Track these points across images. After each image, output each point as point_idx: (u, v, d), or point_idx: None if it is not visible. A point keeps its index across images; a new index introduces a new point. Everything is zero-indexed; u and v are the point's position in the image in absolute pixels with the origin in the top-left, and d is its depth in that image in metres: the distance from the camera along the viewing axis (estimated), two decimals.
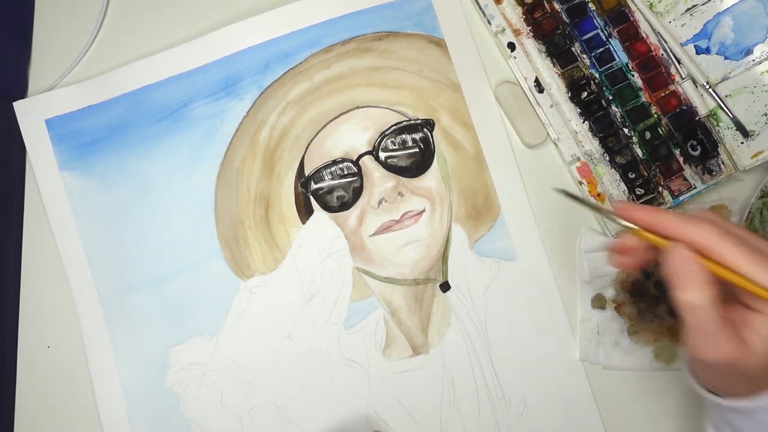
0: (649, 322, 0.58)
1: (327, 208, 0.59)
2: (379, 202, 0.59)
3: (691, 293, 0.37)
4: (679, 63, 0.59)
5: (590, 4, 0.61)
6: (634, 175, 0.59)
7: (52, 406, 0.58)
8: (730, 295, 0.38)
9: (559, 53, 0.60)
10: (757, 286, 0.35)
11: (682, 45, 0.59)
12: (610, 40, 0.60)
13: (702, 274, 0.36)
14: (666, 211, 0.39)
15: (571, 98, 0.60)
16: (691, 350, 0.38)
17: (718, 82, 0.59)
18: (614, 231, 0.58)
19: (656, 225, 0.38)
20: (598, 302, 0.59)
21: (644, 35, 0.60)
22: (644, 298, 0.59)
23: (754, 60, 0.59)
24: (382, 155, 0.60)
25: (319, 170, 0.59)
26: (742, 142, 0.59)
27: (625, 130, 0.60)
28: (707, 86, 0.59)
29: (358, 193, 0.59)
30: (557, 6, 0.61)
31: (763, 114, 0.58)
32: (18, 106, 0.60)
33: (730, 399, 0.39)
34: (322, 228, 0.59)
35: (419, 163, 0.60)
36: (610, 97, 0.60)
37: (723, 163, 0.59)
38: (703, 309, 0.36)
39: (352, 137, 0.60)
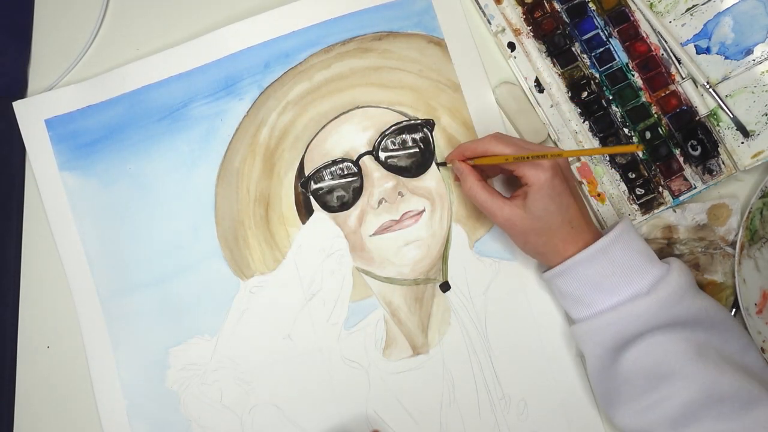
0: None
1: (327, 208, 0.59)
2: (379, 202, 0.59)
3: (467, 181, 0.53)
4: (679, 63, 0.59)
5: (590, 4, 0.61)
6: (634, 175, 0.59)
7: (52, 406, 0.58)
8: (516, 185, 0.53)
9: (559, 53, 0.60)
10: (511, 158, 0.51)
11: (683, 45, 0.59)
12: (610, 40, 0.60)
13: (469, 169, 0.54)
14: (463, 145, 0.55)
15: (571, 98, 0.60)
16: (491, 217, 0.53)
17: (719, 82, 0.59)
18: None
19: (465, 153, 0.54)
20: None
21: (644, 35, 0.60)
22: None
23: (754, 60, 0.59)
24: (382, 155, 0.60)
25: (319, 170, 0.59)
26: (742, 142, 0.59)
27: (626, 130, 0.60)
28: (707, 86, 0.59)
29: (358, 193, 0.59)
30: (557, 6, 0.61)
31: (763, 114, 0.58)
32: (18, 106, 0.60)
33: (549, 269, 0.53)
34: (322, 228, 0.59)
35: (419, 163, 0.60)
36: (611, 97, 0.60)
37: (723, 163, 0.59)
38: (477, 187, 0.53)
39: (352, 137, 0.60)
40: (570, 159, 0.60)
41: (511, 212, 0.51)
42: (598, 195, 0.59)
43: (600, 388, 0.53)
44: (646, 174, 0.59)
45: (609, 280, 0.50)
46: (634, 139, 0.59)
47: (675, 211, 0.59)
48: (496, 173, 0.58)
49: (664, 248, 0.59)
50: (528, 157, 0.50)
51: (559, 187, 0.51)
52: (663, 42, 0.60)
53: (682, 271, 0.51)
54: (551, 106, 0.60)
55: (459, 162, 0.55)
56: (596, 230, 0.53)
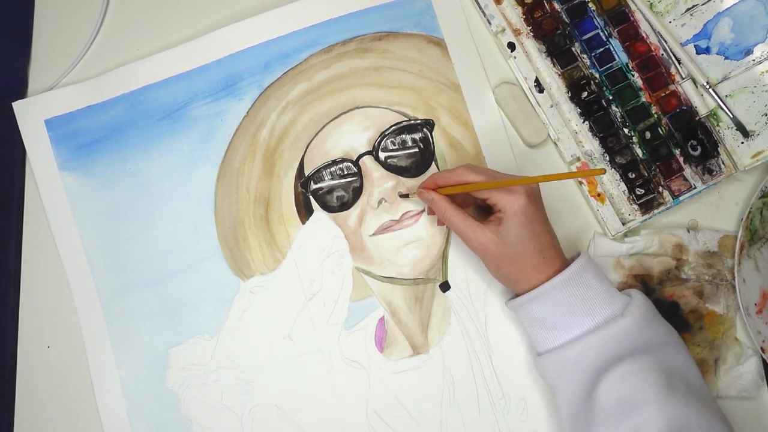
0: None
1: (327, 208, 0.59)
2: (379, 202, 0.59)
3: (440, 207, 0.53)
4: (679, 63, 0.59)
5: (590, 4, 0.61)
6: (634, 175, 0.59)
7: (53, 406, 0.58)
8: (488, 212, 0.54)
9: (559, 53, 0.60)
10: (482, 186, 0.51)
11: (682, 45, 0.59)
12: (610, 40, 0.60)
13: (440, 196, 0.53)
14: (436, 174, 0.54)
15: (571, 98, 0.60)
16: (466, 242, 0.52)
17: (718, 82, 0.59)
18: (614, 232, 0.58)
19: (438, 182, 0.54)
20: None
21: (644, 35, 0.60)
22: None
23: (754, 60, 0.59)
24: (382, 155, 0.60)
25: (319, 170, 0.59)
26: (742, 142, 0.59)
27: (625, 130, 0.60)
28: (707, 86, 0.59)
29: (357, 193, 0.59)
30: (557, 6, 0.61)
31: (763, 114, 0.58)
32: (18, 106, 0.60)
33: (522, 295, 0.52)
34: (322, 228, 0.59)
35: (419, 163, 0.60)
36: (610, 97, 0.60)
37: (723, 163, 0.59)
38: (451, 211, 0.52)
39: (351, 137, 0.60)
40: (570, 158, 0.60)
41: (485, 237, 0.51)
42: (598, 195, 0.59)
43: (573, 422, 0.51)
44: (646, 174, 0.59)
45: (584, 303, 0.50)
46: (634, 139, 0.59)
47: (689, 232, 0.59)
48: (468, 204, 0.57)
49: (672, 270, 0.59)
50: (504, 184, 0.51)
51: (532, 214, 0.51)
52: (663, 42, 0.60)
53: (643, 296, 0.53)
54: (551, 106, 0.60)
55: (427, 191, 0.54)
56: (565, 259, 0.53)
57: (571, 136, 0.60)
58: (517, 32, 0.61)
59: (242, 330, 0.58)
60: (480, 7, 0.61)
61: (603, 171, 0.48)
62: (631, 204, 0.59)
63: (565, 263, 0.52)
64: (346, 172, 0.59)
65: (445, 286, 0.59)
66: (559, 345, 0.51)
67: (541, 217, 0.52)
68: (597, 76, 0.60)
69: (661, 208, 0.59)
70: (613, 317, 0.50)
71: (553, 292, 0.51)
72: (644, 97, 0.60)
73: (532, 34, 0.61)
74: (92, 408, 0.58)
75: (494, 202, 0.51)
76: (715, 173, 0.59)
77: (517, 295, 0.53)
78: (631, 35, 0.60)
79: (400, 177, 0.59)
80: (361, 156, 0.59)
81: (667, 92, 0.60)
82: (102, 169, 0.60)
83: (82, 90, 0.61)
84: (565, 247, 0.60)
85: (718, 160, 0.59)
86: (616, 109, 0.60)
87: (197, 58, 0.61)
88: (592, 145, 0.60)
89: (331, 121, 0.60)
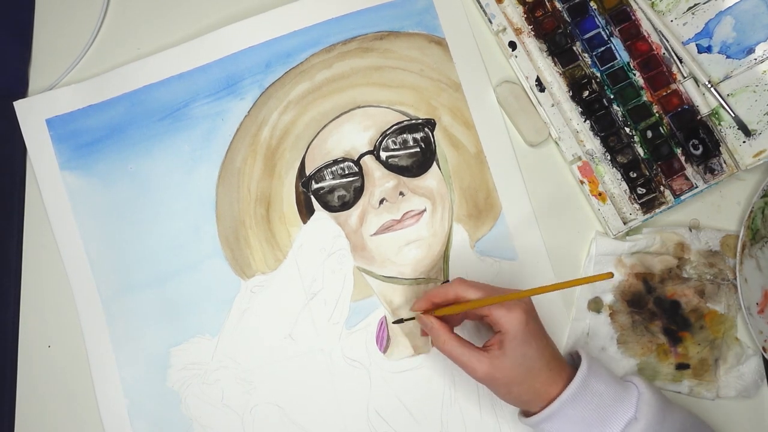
0: (641, 335, 0.58)
1: (328, 207, 0.59)
2: (380, 202, 0.59)
3: (439, 337, 0.51)
4: (680, 62, 0.59)
5: (591, 3, 0.60)
6: (635, 175, 0.59)
7: (53, 406, 0.58)
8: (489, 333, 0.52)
9: (560, 52, 0.60)
10: (480, 303, 0.49)
11: (684, 44, 0.59)
12: (611, 39, 0.60)
13: (438, 323, 0.51)
14: (431, 292, 0.52)
15: (573, 97, 0.60)
16: (470, 373, 0.50)
17: (720, 81, 0.59)
18: (615, 231, 0.58)
19: (434, 300, 0.52)
20: (595, 305, 0.59)
21: (646, 34, 0.60)
22: (641, 311, 0.59)
23: (756, 59, 0.58)
24: (383, 155, 0.60)
25: (320, 170, 0.59)
26: (743, 142, 0.59)
27: (627, 130, 0.59)
28: (709, 85, 0.59)
29: (359, 192, 0.59)
30: (558, 5, 0.61)
31: (765, 113, 0.58)
32: (19, 105, 0.60)
33: (532, 415, 0.50)
34: (323, 227, 0.59)
35: (420, 162, 0.60)
36: (612, 96, 0.60)
37: (725, 163, 0.59)
38: (451, 342, 0.50)
39: (353, 137, 0.60)
40: (571, 158, 0.59)
41: (491, 365, 0.49)
42: (599, 194, 0.59)
43: None
44: (648, 173, 0.59)
45: (597, 414, 0.48)
46: (636, 139, 0.59)
47: (690, 231, 0.59)
48: (461, 321, 0.55)
49: (673, 269, 0.59)
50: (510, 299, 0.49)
51: (534, 329, 0.49)
52: (664, 41, 0.59)
53: (648, 386, 0.50)
54: (552, 106, 0.60)
55: (426, 316, 0.52)
56: (568, 365, 0.51)
57: (573, 135, 0.60)
58: (518, 31, 0.61)
59: (243, 329, 0.58)
60: (481, 6, 0.61)
61: (611, 275, 0.46)
62: (632, 203, 0.59)
63: (570, 369, 0.51)
64: (347, 172, 0.59)
65: None
66: None
67: (540, 328, 0.51)
68: (598, 75, 0.60)
69: (663, 207, 0.59)
70: (629, 423, 0.48)
71: (565, 410, 0.49)
72: (646, 97, 0.60)
73: (533, 33, 0.61)
74: (93, 407, 0.58)
75: (494, 321, 0.50)
76: (716, 172, 0.59)
77: (529, 412, 0.51)
78: (633, 34, 0.60)
79: (401, 176, 0.59)
80: (362, 155, 0.59)
81: (668, 91, 0.59)
82: (103, 168, 0.60)
83: (83, 89, 0.61)
84: (566, 246, 0.60)
85: (719, 160, 0.59)
86: (618, 109, 0.60)
87: (198, 58, 0.60)
88: (593, 144, 0.59)
89: (333, 120, 0.60)
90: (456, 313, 0.52)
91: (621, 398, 0.49)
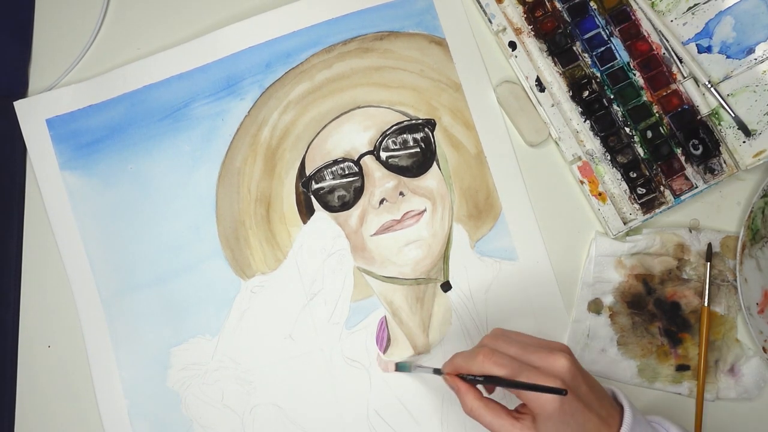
0: (641, 337, 0.58)
1: (328, 207, 0.59)
2: (380, 202, 0.59)
3: (466, 404, 0.47)
4: (680, 62, 0.59)
5: (591, 3, 0.60)
6: (635, 175, 0.59)
7: (53, 406, 0.58)
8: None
9: (560, 52, 0.60)
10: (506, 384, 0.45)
11: (684, 44, 0.59)
12: (611, 39, 0.60)
13: (466, 387, 0.47)
14: (457, 360, 0.48)
15: (573, 97, 0.60)
16: None
17: (720, 81, 0.59)
18: (615, 232, 0.58)
19: (459, 370, 0.48)
20: (595, 306, 0.59)
21: (646, 34, 0.60)
22: (641, 313, 0.59)
23: (756, 59, 0.58)
24: (383, 155, 0.60)
25: (320, 170, 0.59)
26: (744, 142, 0.59)
27: (627, 130, 0.59)
28: (709, 85, 0.59)
29: (359, 192, 0.59)
30: (558, 5, 0.61)
31: (765, 113, 0.58)
32: (19, 105, 0.60)
33: None
34: (323, 228, 0.59)
35: (420, 162, 0.60)
36: (612, 97, 0.60)
37: (725, 163, 0.59)
38: (480, 408, 0.46)
39: (353, 137, 0.60)
40: (571, 158, 0.59)
41: (526, 427, 0.44)
42: (599, 194, 0.59)
43: None
44: (648, 173, 0.59)
45: None
46: (636, 139, 0.59)
47: (690, 232, 0.59)
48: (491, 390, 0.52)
49: (673, 270, 0.59)
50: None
51: (570, 409, 0.44)
52: (664, 41, 0.59)
53: (678, 428, 0.48)
54: (552, 106, 0.60)
55: (452, 379, 0.48)
56: (617, 414, 0.46)
57: (573, 135, 0.60)
58: (518, 31, 0.61)
59: (243, 330, 0.58)
60: (481, 7, 0.61)
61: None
62: (632, 203, 0.59)
63: (619, 420, 0.46)
64: (347, 172, 0.59)
65: (446, 286, 0.59)
66: None
67: (584, 400, 0.45)
68: (598, 75, 0.60)
69: (663, 207, 0.59)
70: None
71: None
72: (645, 97, 0.60)
73: (533, 33, 0.61)
74: (93, 408, 0.58)
75: (525, 398, 0.45)
76: (716, 172, 0.59)
77: None
78: (633, 34, 0.60)
79: (401, 177, 0.59)
80: (362, 156, 0.59)
81: (668, 91, 0.59)
82: (103, 168, 0.60)
83: (83, 89, 0.61)
84: (566, 246, 0.60)
85: (719, 160, 0.59)
86: (618, 109, 0.60)
87: (198, 58, 0.60)
88: (593, 144, 0.59)
89: (333, 120, 0.60)
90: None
91: None
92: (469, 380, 0.47)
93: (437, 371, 0.51)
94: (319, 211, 0.59)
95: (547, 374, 0.44)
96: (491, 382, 0.46)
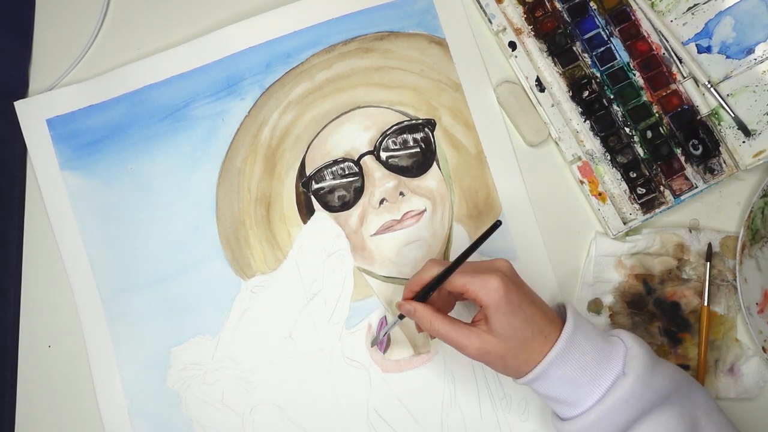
0: (640, 336, 0.58)
1: (328, 207, 0.59)
2: (380, 202, 0.59)
3: (424, 319, 0.49)
4: (680, 62, 0.59)
5: (591, 3, 0.61)
6: (635, 175, 0.59)
7: (54, 406, 0.58)
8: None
9: (560, 52, 0.60)
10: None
11: (684, 44, 0.59)
12: (611, 39, 0.60)
13: (422, 306, 0.49)
14: (410, 281, 0.51)
15: (573, 97, 0.60)
16: (462, 351, 0.49)
17: (720, 81, 0.59)
18: (615, 231, 0.58)
19: (413, 288, 0.51)
20: (595, 306, 0.59)
21: (645, 34, 0.60)
22: (641, 313, 0.59)
23: (755, 59, 0.59)
24: (384, 155, 0.60)
25: (320, 170, 0.59)
26: (743, 142, 0.59)
27: (627, 130, 0.59)
28: (709, 85, 0.59)
29: (359, 192, 0.59)
30: (558, 5, 0.61)
31: (764, 113, 0.58)
32: (19, 105, 0.60)
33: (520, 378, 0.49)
34: (323, 228, 0.59)
35: (420, 162, 0.60)
36: (612, 97, 0.60)
37: (724, 163, 0.59)
38: (438, 320, 0.49)
39: (353, 137, 0.60)
40: (571, 158, 0.60)
41: (481, 340, 0.47)
42: (599, 194, 0.59)
43: None
44: (648, 173, 0.59)
45: (585, 372, 0.47)
46: (636, 139, 0.59)
47: (690, 232, 0.59)
48: (451, 306, 0.54)
49: (673, 270, 0.59)
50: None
51: (516, 299, 0.47)
52: (664, 41, 0.60)
53: (634, 338, 0.49)
54: (552, 106, 0.60)
55: (406, 302, 0.50)
56: (561, 322, 0.49)
57: (572, 135, 0.60)
58: (518, 31, 0.61)
59: (243, 330, 0.58)
60: (481, 7, 0.61)
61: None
62: (632, 203, 0.59)
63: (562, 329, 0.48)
64: (347, 172, 0.59)
65: None
66: (573, 416, 0.48)
67: (527, 295, 0.48)
68: (598, 75, 0.60)
69: (663, 207, 0.59)
70: (617, 379, 0.47)
71: (551, 370, 0.47)
72: (645, 97, 0.60)
73: (533, 33, 0.61)
74: (93, 407, 0.58)
75: (473, 296, 0.48)
76: (716, 172, 0.59)
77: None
78: (633, 34, 0.60)
79: (401, 177, 0.59)
80: (362, 156, 0.59)
81: (668, 91, 0.59)
82: (103, 168, 0.60)
83: (84, 89, 0.61)
84: (566, 246, 0.60)
85: (719, 160, 0.59)
86: (618, 109, 0.60)
87: (198, 58, 0.61)
88: (593, 144, 0.60)
89: (333, 120, 0.60)
90: (445, 298, 0.51)
91: (608, 354, 0.47)
92: (423, 292, 0.50)
93: (401, 316, 0.52)
94: (319, 211, 0.59)
95: (488, 268, 0.48)
96: (441, 279, 0.49)
